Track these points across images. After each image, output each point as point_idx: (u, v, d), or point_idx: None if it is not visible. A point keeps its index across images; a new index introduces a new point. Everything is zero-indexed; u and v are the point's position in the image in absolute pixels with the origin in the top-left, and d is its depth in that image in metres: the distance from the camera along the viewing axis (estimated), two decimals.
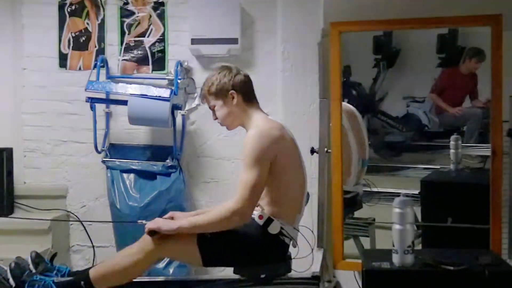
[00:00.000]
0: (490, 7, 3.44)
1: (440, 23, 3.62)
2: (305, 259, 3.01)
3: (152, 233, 2.78)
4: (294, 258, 2.96)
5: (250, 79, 3.01)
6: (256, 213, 2.80)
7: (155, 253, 2.84)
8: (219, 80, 2.92)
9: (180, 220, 2.82)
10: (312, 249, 3.12)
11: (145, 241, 2.84)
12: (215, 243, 2.78)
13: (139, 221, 3.34)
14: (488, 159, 3.51)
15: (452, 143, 3.85)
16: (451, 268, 2.62)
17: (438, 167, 4.00)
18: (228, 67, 2.99)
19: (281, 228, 2.82)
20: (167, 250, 2.87)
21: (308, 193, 3.04)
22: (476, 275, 2.60)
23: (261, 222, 2.80)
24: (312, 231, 3.03)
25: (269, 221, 2.80)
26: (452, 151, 3.85)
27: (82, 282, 2.86)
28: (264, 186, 2.76)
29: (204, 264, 2.85)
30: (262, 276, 2.93)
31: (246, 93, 2.95)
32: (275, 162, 2.77)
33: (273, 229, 2.80)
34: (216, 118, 2.97)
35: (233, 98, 2.90)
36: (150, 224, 2.80)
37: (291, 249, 2.93)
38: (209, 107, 2.99)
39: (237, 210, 2.69)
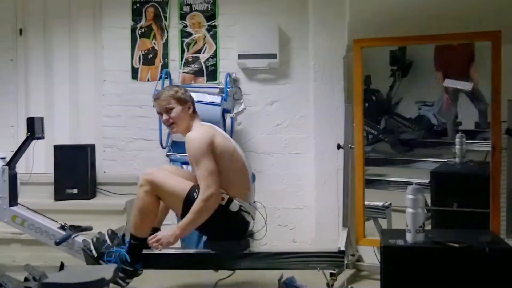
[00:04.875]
0: (491, 23, 3.36)
1: (447, 39, 3.55)
2: (332, 236, 2.98)
3: None
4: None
5: None
6: None
7: (151, 187, 2.91)
8: (184, 91, 3.08)
9: (175, 230, 2.86)
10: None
11: (145, 174, 2.96)
12: None
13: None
14: (488, 153, 3.44)
15: (457, 140, 3.76)
16: (456, 245, 2.58)
17: (445, 160, 3.91)
18: (183, 87, 3.18)
19: (240, 205, 2.87)
20: (159, 189, 2.92)
21: (253, 174, 3.11)
22: (478, 252, 2.56)
23: (223, 202, 2.87)
24: (262, 205, 3.08)
25: (229, 201, 2.87)
26: (457, 146, 3.77)
27: (131, 241, 2.97)
28: (217, 171, 2.84)
29: (181, 217, 2.92)
30: (230, 249, 2.99)
31: (194, 106, 3.11)
32: (214, 154, 2.86)
33: (234, 207, 2.88)
34: (169, 119, 3.03)
35: (189, 108, 3.05)
36: (154, 244, 2.85)
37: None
38: (165, 108, 3.03)
39: (208, 197, 2.79)
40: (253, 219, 3.00)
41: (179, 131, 3.06)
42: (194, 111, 3.10)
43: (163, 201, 3.00)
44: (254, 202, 3.05)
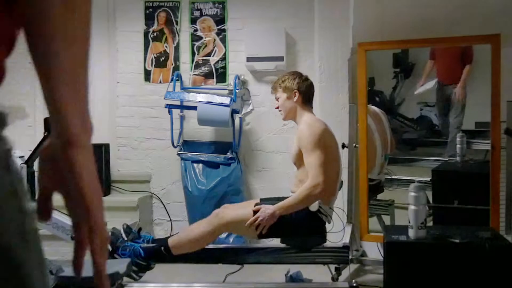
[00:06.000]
0: (490, 26, 3.35)
1: (447, 42, 3.55)
2: (337, 232, 2.99)
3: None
4: (329, 232, 2.95)
5: (313, 87, 3.03)
6: None
7: (221, 228, 2.85)
8: (290, 79, 2.95)
9: (274, 210, 2.76)
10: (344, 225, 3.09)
11: (214, 217, 2.86)
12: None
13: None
14: (488, 152, 3.43)
15: (458, 139, 3.76)
16: (457, 241, 2.58)
17: (446, 159, 3.91)
18: (300, 73, 3.03)
19: (319, 207, 2.81)
20: (231, 226, 2.87)
21: (342, 181, 3.01)
22: (478, 247, 2.56)
23: None
24: (343, 210, 3.01)
25: None
26: (458, 146, 3.76)
27: (162, 248, 2.92)
28: (327, 163, 2.73)
29: (259, 237, 2.85)
30: (304, 245, 2.93)
31: (306, 96, 2.96)
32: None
33: (313, 207, 2.79)
34: (278, 107, 2.99)
35: (295, 96, 2.92)
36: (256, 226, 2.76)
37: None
38: (275, 97, 3.00)
39: (316, 184, 2.70)
40: (329, 222, 2.93)
41: (285, 118, 3.00)
42: (304, 101, 2.94)
43: (237, 233, 2.98)
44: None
